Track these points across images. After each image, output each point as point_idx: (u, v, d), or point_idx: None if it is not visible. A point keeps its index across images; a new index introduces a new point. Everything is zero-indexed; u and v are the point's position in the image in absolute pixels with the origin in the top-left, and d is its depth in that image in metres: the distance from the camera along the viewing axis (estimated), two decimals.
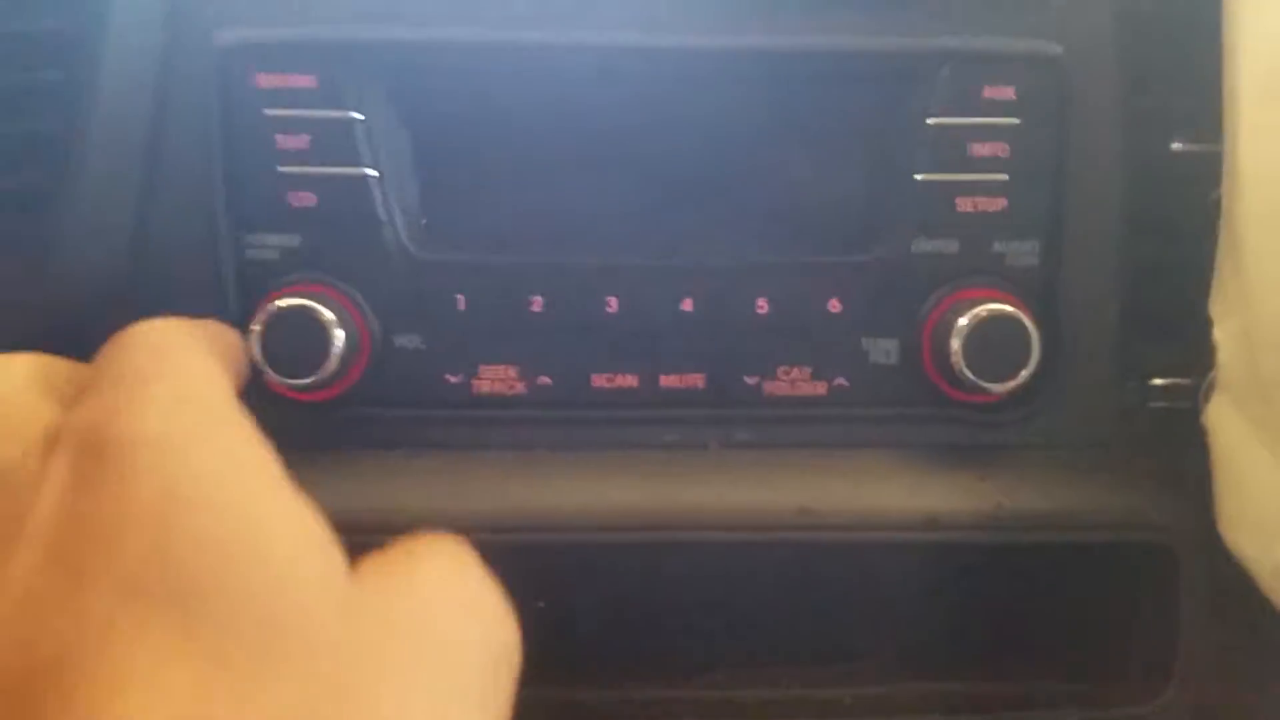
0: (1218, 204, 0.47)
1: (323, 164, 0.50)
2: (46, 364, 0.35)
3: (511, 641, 0.32)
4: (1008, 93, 0.50)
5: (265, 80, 0.49)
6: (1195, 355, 0.48)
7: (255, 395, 0.49)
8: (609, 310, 0.51)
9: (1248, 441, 0.45)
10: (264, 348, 0.48)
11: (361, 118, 0.49)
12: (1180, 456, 0.49)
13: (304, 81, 0.49)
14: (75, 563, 0.26)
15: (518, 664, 0.32)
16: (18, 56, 0.49)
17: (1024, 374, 0.49)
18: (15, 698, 0.24)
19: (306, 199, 0.50)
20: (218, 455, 0.29)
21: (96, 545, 0.26)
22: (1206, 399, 0.47)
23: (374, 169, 0.50)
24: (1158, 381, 0.51)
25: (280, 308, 0.48)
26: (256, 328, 0.48)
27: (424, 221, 0.52)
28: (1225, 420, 0.46)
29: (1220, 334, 0.46)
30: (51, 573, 0.26)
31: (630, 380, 0.52)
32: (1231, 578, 0.46)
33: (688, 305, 0.51)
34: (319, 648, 0.26)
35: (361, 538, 0.49)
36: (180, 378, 0.31)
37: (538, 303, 0.51)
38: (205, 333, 0.38)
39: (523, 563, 0.53)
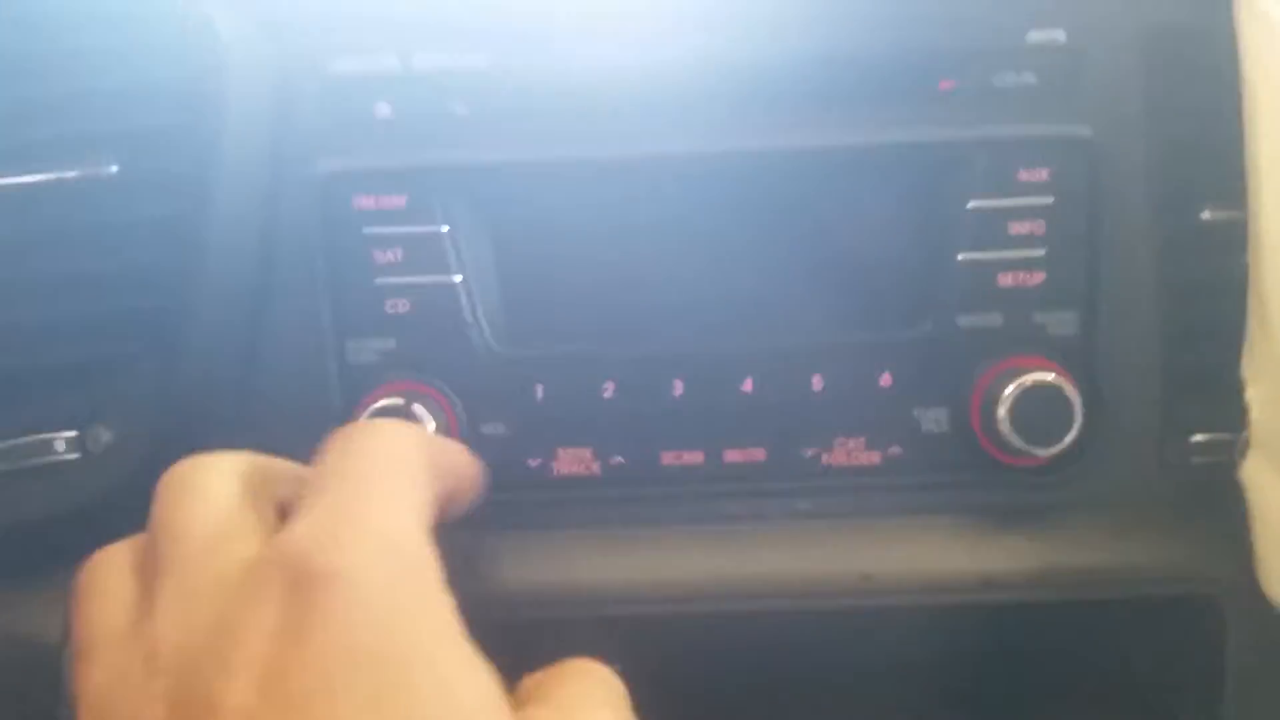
0: (1247, 269, 0.50)
1: (414, 274, 0.55)
2: (264, 466, 0.37)
3: None
4: (1042, 174, 0.54)
5: (361, 202, 0.55)
6: (1235, 411, 0.50)
7: None
8: (675, 393, 0.55)
9: None
10: None
11: (447, 230, 0.55)
12: (1225, 511, 0.51)
13: (396, 202, 0.55)
14: (291, 703, 0.28)
15: None
16: (140, 194, 0.55)
17: (1068, 438, 0.52)
18: None
19: (401, 305, 0.55)
20: (418, 603, 0.31)
21: (312, 689, 0.28)
22: (1242, 456, 0.50)
23: (460, 275, 0.55)
24: (1199, 438, 0.54)
25: (380, 406, 0.54)
26: None
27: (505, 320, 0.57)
28: (1260, 477, 0.49)
29: (1252, 394, 0.49)
30: (267, 710, 0.28)
31: (696, 457, 0.56)
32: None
33: (748, 385, 0.55)
34: None
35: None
36: (391, 513, 0.33)
37: (609, 389, 0.55)
38: (431, 450, 0.39)
39: (603, 635, 0.57)
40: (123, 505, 0.54)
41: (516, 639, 0.59)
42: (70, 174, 0.55)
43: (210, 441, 0.55)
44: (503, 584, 0.54)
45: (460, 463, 0.45)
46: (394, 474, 0.35)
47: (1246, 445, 0.49)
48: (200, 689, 0.29)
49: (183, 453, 0.55)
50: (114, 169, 0.55)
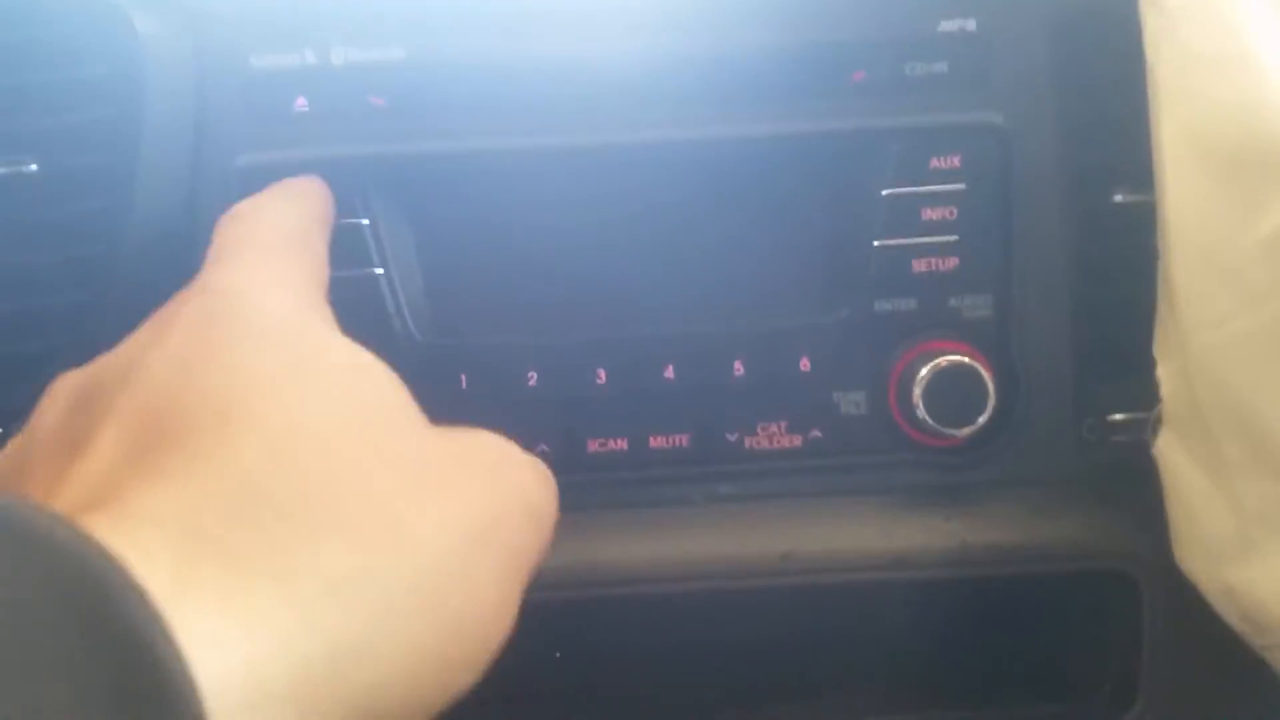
0: (1158, 251, 0.51)
1: (336, 267, 0.55)
2: None
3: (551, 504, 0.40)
4: (954, 161, 0.55)
5: None
6: (1148, 391, 0.51)
7: None
8: (599, 381, 0.56)
9: (1192, 472, 0.48)
10: None
11: (368, 223, 0.55)
12: (1140, 488, 0.52)
13: None
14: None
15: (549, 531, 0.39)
16: (60, 191, 0.55)
17: (983, 419, 0.53)
18: None
19: None
20: (306, 329, 0.38)
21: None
22: (1155, 434, 0.51)
23: (381, 268, 0.55)
24: (1116, 417, 0.55)
25: None
26: None
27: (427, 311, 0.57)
28: (1171, 453, 0.50)
29: (1163, 372, 0.50)
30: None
31: (621, 444, 0.56)
32: (1193, 602, 0.49)
33: (669, 372, 0.56)
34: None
35: None
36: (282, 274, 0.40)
37: (533, 378, 0.56)
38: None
39: (527, 619, 0.58)
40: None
41: None
42: None
43: None
44: None
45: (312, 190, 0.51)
46: (286, 240, 0.42)
47: (1158, 423, 0.50)
48: (101, 400, 0.34)
49: None
50: (33, 167, 0.55)
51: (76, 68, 0.55)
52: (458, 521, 0.34)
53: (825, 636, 0.59)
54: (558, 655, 0.61)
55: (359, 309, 0.55)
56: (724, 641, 0.59)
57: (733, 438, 0.56)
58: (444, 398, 0.56)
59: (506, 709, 0.58)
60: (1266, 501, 0.45)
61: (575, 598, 0.54)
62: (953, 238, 0.55)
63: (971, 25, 0.55)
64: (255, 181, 0.55)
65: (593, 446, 0.56)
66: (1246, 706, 0.54)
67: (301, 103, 0.56)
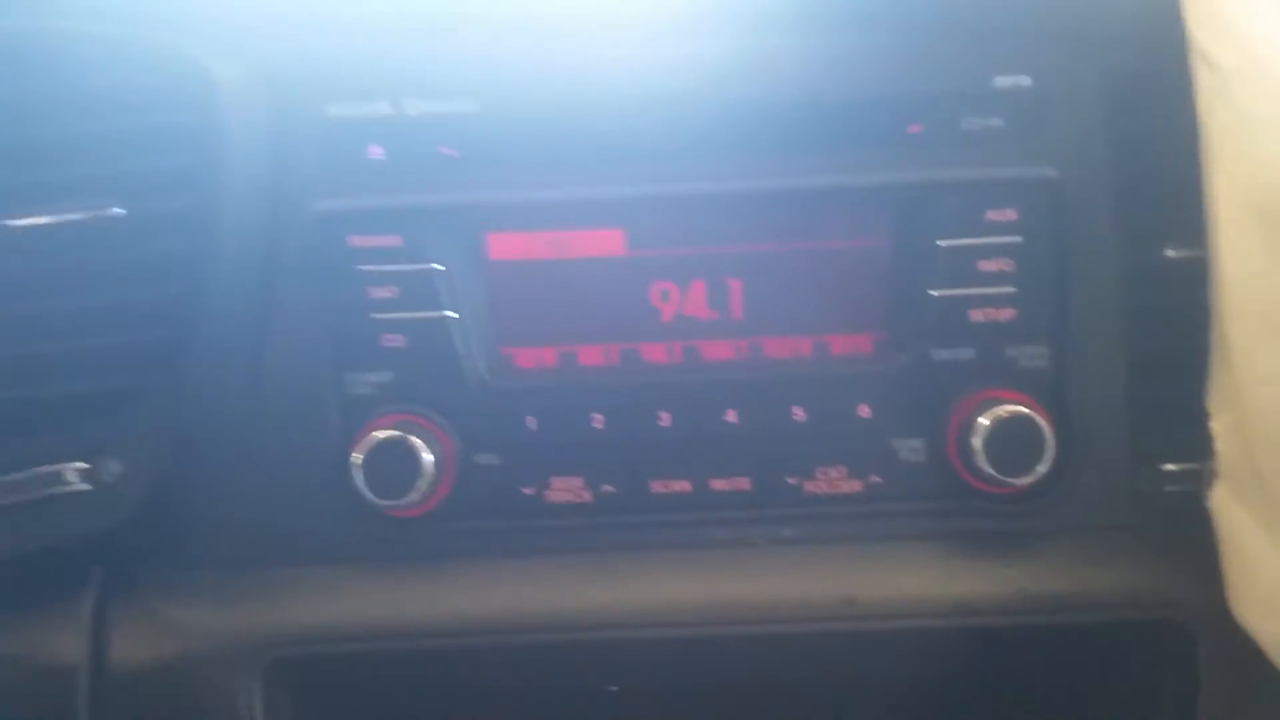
0: (1210, 304, 0.52)
1: (409, 310, 0.57)
2: None
3: None
4: (1009, 214, 0.56)
5: (357, 241, 0.57)
6: (1202, 441, 0.52)
7: (353, 511, 0.56)
8: (663, 424, 0.57)
9: (1248, 525, 0.49)
10: (364, 473, 0.55)
11: (441, 268, 0.57)
12: (1194, 538, 0.53)
13: (390, 241, 0.57)
14: None
15: None
16: (146, 234, 0.57)
17: (1041, 468, 0.54)
18: None
19: (396, 340, 0.58)
20: None
21: None
22: (1209, 485, 0.52)
23: (453, 311, 0.57)
24: (1169, 467, 0.56)
25: (378, 438, 0.56)
26: (358, 456, 0.55)
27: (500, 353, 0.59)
28: (1227, 505, 0.51)
29: (1217, 426, 0.51)
30: None
31: (684, 485, 0.58)
32: (1248, 652, 0.50)
33: (731, 416, 0.57)
34: None
35: (450, 642, 0.56)
36: None
37: (599, 420, 0.58)
38: None
39: (598, 656, 0.60)
40: (132, 533, 0.57)
41: (513, 664, 0.61)
42: (77, 216, 0.57)
43: (213, 471, 0.58)
44: (500, 611, 0.56)
45: None
46: None
47: (1213, 475, 0.52)
48: None
49: (189, 481, 0.57)
50: (119, 211, 0.57)
51: (158, 114, 0.57)
52: None
53: (877, 682, 0.60)
54: (614, 689, 0.63)
55: (432, 351, 0.57)
56: (780, 685, 0.60)
57: (793, 481, 0.58)
58: (513, 438, 0.58)
59: None
60: None
61: (640, 638, 0.56)
62: (1009, 289, 0.56)
63: (1027, 81, 0.56)
64: (331, 227, 0.57)
65: (656, 488, 0.58)
66: None
67: (376, 151, 0.58)
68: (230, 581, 0.58)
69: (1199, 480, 0.53)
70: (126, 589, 0.58)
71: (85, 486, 0.56)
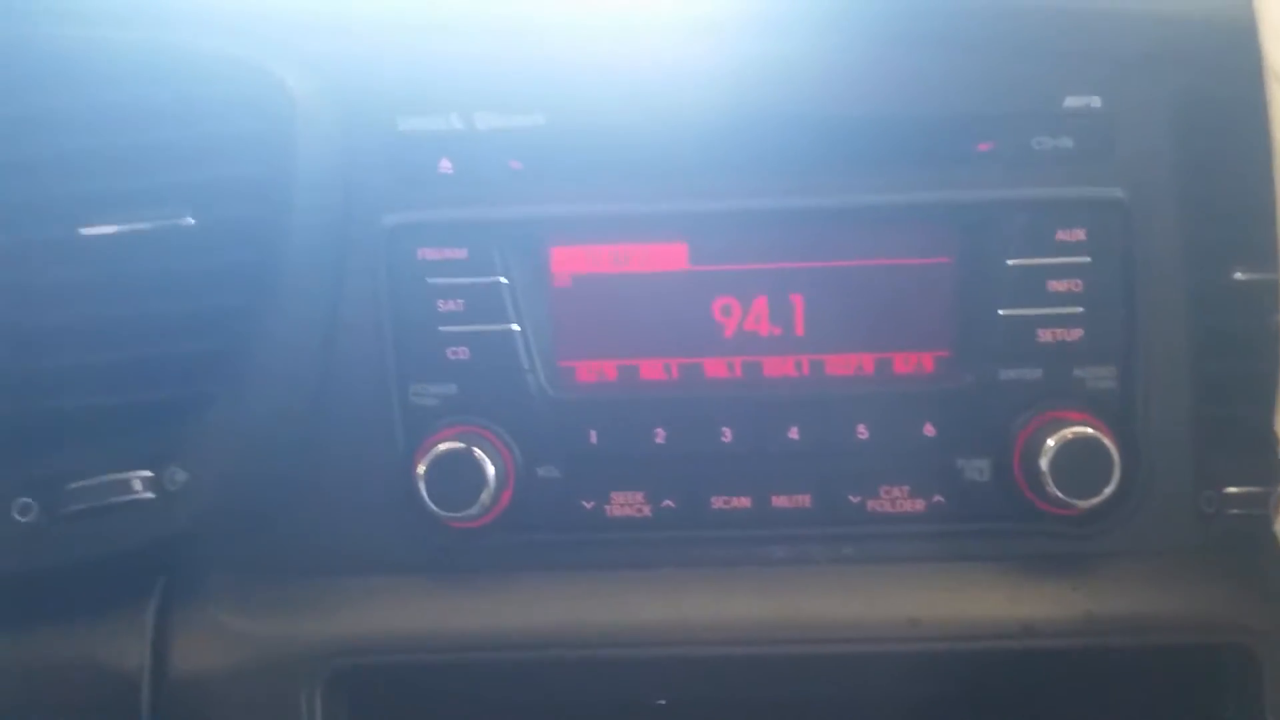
0: (1278, 327, 0.52)
1: (475, 322, 0.58)
2: None
3: None
4: (1079, 234, 0.56)
5: (426, 253, 0.58)
6: (1268, 465, 0.52)
7: (415, 521, 0.57)
8: (724, 440, 0.57)
9: None
10: (427, 484, 0.56)
11: (506, 281, 0.57)
12: (1260, 562, 0.52)
13: (458, 253, 0.57)
14: None
15: None
16: (215, 242, 0.58)
17: (1108, 490, 0.54)
18: None
19: (461, 352, 0.58)
20: None
21: None
22: (1278, 510, 0.51)
23: (518, 324, 0.58)
24: (1233, 491, 0.55)
25: (441, 450, 0.56)
26: (421, 467, 0.56)
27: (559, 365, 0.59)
28: None
29: None
30: None
31: (744, 502, 0.58)
32: None
33: (794, 434, 0.57)
34: None
35: (509, 654, 0.56)
36: None
37: (661, 435, 0.58)
38: None
39: (655, 671, 0.60)
40: (196, 541, 0.57)
41: (569, 679, 0.61)
42: (146, 225, 0.58)
43: (276, 480, 0.58)
44: (557, 625, 0.56)
45: None
46: None
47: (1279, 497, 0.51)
48: None
49: (252, 490, 0.58)
50: (190, 220, 0.58)
51: (229, 123, 0.58)
52: None
53: (935, 701, 0.60)
54: (662, 703, 0.63)
55: (496, 364, 0.58)
56: (832, 700, 0.60)
57: (855, 500, 0.57)
58: (574, 452, 0.58)
59: None
60: None
61: (699, 655, 0.55)
62: (1078, 309, 0.56)
63: (1097, 102, 0.56)
64: (400, 240, 0.58)
65: (716, 504, 0.58)
66: None
67: (446, 165, 0.58)
68: (292, 591, 0.59)
69: (1264, 504, 0.52)
70: (189, 597, 0.59)
71: (149, 495, 0.56)
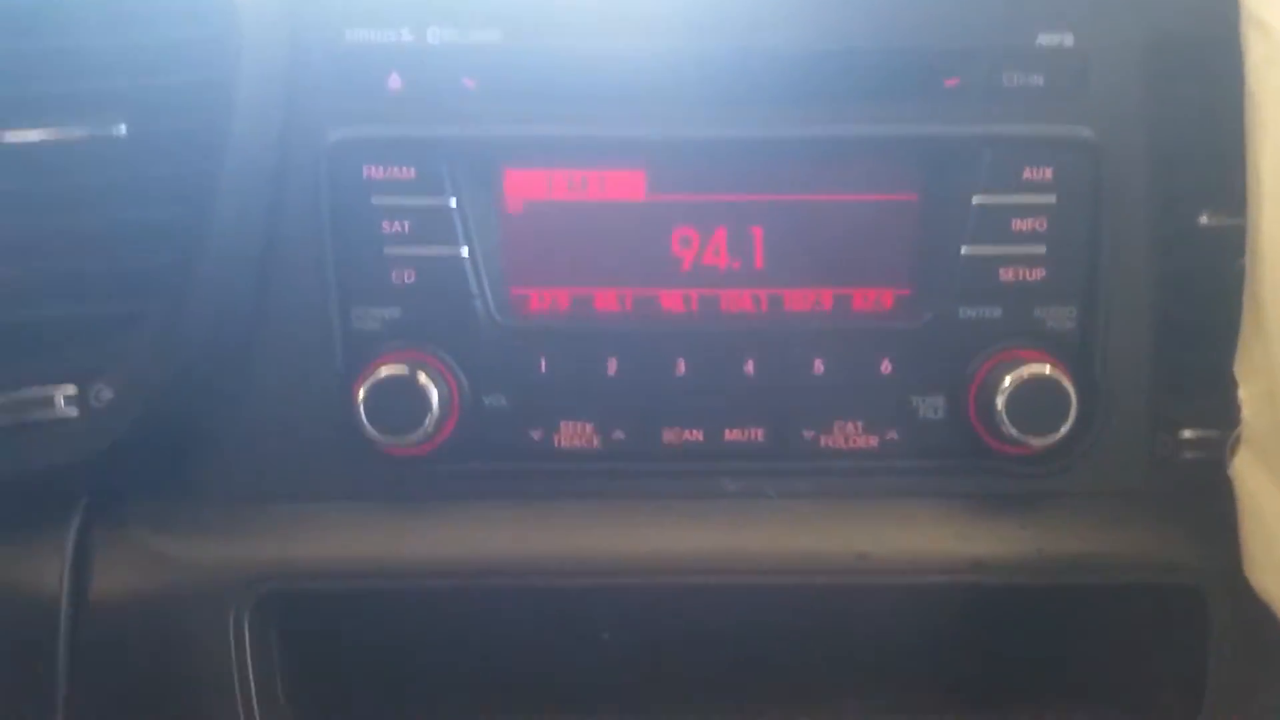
0: (1242, 273, 0.51)
1: (421, 245, 0.55)
2: None
3: None
4: (1046, 174, 0.55)
5: (371, 172, 0.55)
6: (1223, 410, 0.51)
7: (354, 448, 0.55)
8: (677, 372, 0.56)
9: (1270, 491, 0.49)
10: (368, 409, 0.54)
11: (454, 203, 0.55)
12: (1210, 505, 0.52)
13: (405, 173, 0.55)
14: None
15: None
16: (150, 154, 0.55)
17: (1063, 429, 0.53)
18: None
19: (407, 275, 0.56)
20: None
21: None
22: (1233, 452, 0.51)
23: (466, 248, 0.55)
24: (1188, 434, 0.55)
25: (383, 374, 0.54)
26: (362, 391, 0.54)
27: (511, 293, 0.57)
28: (1250, 472, 0.50)
29: (1245, 393, 0.50)
30: None
31: (696, 435, 0.56)
32: (1260, 618, 0.49)
33: (749, 367, 0.56)
34: None
35: (448, 581, 0.54)
36: None
37: (613, 365, 0.56)
38: None
39: (599, 600, 0.59)
40: (121, 462, 0.55)
41: (510, 609, 0.60)
42: (79, 133, 0.55)
43: (210, 402, 0.56)
44: (500, 552, 0.54)
45: None
46: None
47: (1237, 442, 0.51)
48: None
49: (184, 412, 0.55)
50: (123, 129, 0.55)
51: (170, 29, 0.55)
52: None
53: (886, 639, 0.59)
54: (606, 636, 0.61)
55: (442, 289, 0.56)
56: (787, 638, 0.59)
57: (809, 435, 0.56)
58: (522, 381, 0.57)
59: (566, 689, 0.58)
60: None
61: (647, 584, 0.54)
62: (1041, 249, 0.55)
63: (1070, 40, 0.55)
64: (345, 156, 0.55)
65: (668, 436, 0.56)
66: None
67: (395, 80, 0.56)
68: (221, 514, 0.57)
69: (1217, 448, 0.52)
70: (113, 520, 0.56)
71: (73, 412, 0.54)
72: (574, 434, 0.57)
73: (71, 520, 0.55)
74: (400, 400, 0.54)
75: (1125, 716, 0.57)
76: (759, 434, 0.56)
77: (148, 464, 0.56)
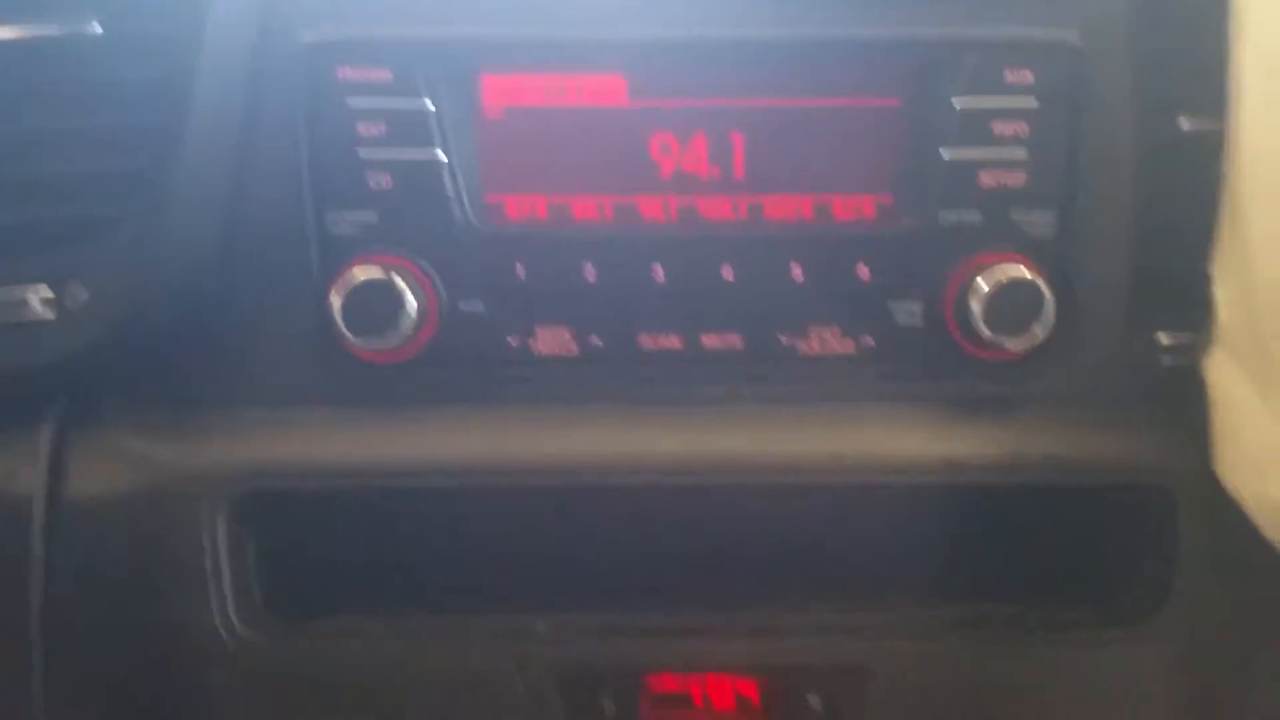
0: (1221, 177, 0.51)
1: (398, 148, 0.55)
2: None
3: None
4: (1027, 76, 0.54)
5: (346, 74, 0.55)
6: (1199, 314, 0.51)
7: (330, 353, 0.55)
8: (655, 278, 0.56)
9: (1243, 389, 0.49)
10: (344, 313, 0.53)
11: (433, 107, 0.55)
12: (1185, 408, 0.52)
13: (381, 75, 0.54)
14: None
15: None
16: (124, 55, 0.54)
17: (1039, 332, 0.53)
18: None
19: (383, 179, 0.55)
20: None
21: None
22: (1206, 352, 0.51)
23: (443, 152, 0.55)
24: (1165, 338, 0.55)
25: (358, 277, 0.54)
26: (337, 295, 0.53)
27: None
28: (1223, 371, 0.50)
29: (1221, 293, 0.50)
30: None
31: (674, 341, 0.56)
32: (1228, 519, 0.49)
33: (728, 273, 0.56)
34: None
35: (431, 482, 0.55)
36: None
37: (590, 271, 0.56)
38: None
39: (576, 503, 0.59)
40: (97, 364, 0.55)
41: (496, 509, 0.60)
42: (51, 31, 0.54)
43: (187, 306, 0.56)
44: (476, 453, 0.54)
45: None
46: None
47: (1210, 343, 0.51)
48: None
49: (159, 314, 0.55)
50: (96, 27, 0.54)
51: None
52: None
53: (868, 534, 0.60)
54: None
55: (419, 193, 0.55)
56: (766, 540, 0.60)
57: (786, 340, 0.56)
58: (499, 286, 0.56)
59: (542, 588, 0.59)
60: None
61: (625, 485, 0.55)
62: (1022, 153, 0.54)
63: None
64: (319, 58, 0.55)
65: (645, 342, 0.56)
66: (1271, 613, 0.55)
67: None
68: (198, 416, 0.56)
69: (1194, 352, 0.52)
70: (90, 421, 0.56)
71: (49, 314, 0.54)
72: (551, 340, 0.57)
73: (48, 421, 0.55)
74: (376, 304, 0.53)
75: (1089, 613, 0.57)
76: (736, 340, 0.56)
77: (124, 368, 0.56)
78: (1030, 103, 0.54)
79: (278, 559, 0.58)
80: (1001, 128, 0.54)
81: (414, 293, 0.54)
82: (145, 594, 0.56)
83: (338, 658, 0.57)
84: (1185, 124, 0.54)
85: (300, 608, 0.57)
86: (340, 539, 0.60)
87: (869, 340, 0.56)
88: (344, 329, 0.54)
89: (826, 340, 0.56)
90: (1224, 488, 0.50)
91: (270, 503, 0.56)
